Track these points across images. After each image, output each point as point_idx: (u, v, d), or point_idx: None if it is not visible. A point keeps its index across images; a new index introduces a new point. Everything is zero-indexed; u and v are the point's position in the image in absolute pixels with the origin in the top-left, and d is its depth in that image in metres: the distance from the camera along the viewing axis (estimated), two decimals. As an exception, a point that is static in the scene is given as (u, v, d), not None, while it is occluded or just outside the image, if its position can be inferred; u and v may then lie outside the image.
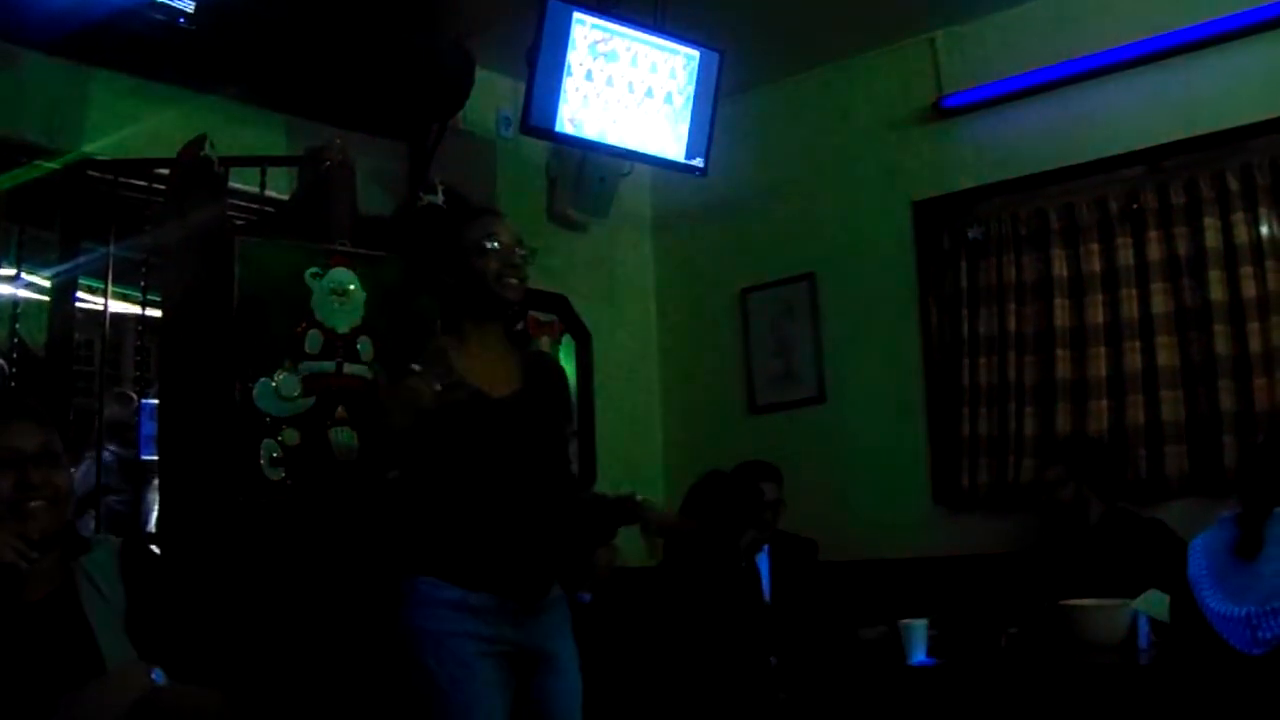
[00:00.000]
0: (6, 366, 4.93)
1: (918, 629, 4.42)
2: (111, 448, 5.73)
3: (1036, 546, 5.10)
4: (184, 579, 3.61)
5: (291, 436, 4.13)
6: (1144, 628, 4.06)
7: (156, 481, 5.02)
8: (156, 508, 5.06)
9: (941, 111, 5.99)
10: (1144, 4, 5.46)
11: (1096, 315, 5.52)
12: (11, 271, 4.95)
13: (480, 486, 3.32)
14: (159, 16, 3.84)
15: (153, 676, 2.84)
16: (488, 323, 3.50)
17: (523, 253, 3.48)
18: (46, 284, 4.92)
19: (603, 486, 6.01)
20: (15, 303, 4.97)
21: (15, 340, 4.88)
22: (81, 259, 4.83)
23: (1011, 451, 5.64)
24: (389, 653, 3.31)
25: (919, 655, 4.39)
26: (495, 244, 3.44)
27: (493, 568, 3.30)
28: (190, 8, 3.85)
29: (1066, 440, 5.37)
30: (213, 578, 3.90)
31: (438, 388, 3.13)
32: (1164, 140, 5.41)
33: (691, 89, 5.40)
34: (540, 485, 3.44)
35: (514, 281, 3.45)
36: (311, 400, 4.16)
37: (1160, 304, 5.37)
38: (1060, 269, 5.63)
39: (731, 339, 6.52)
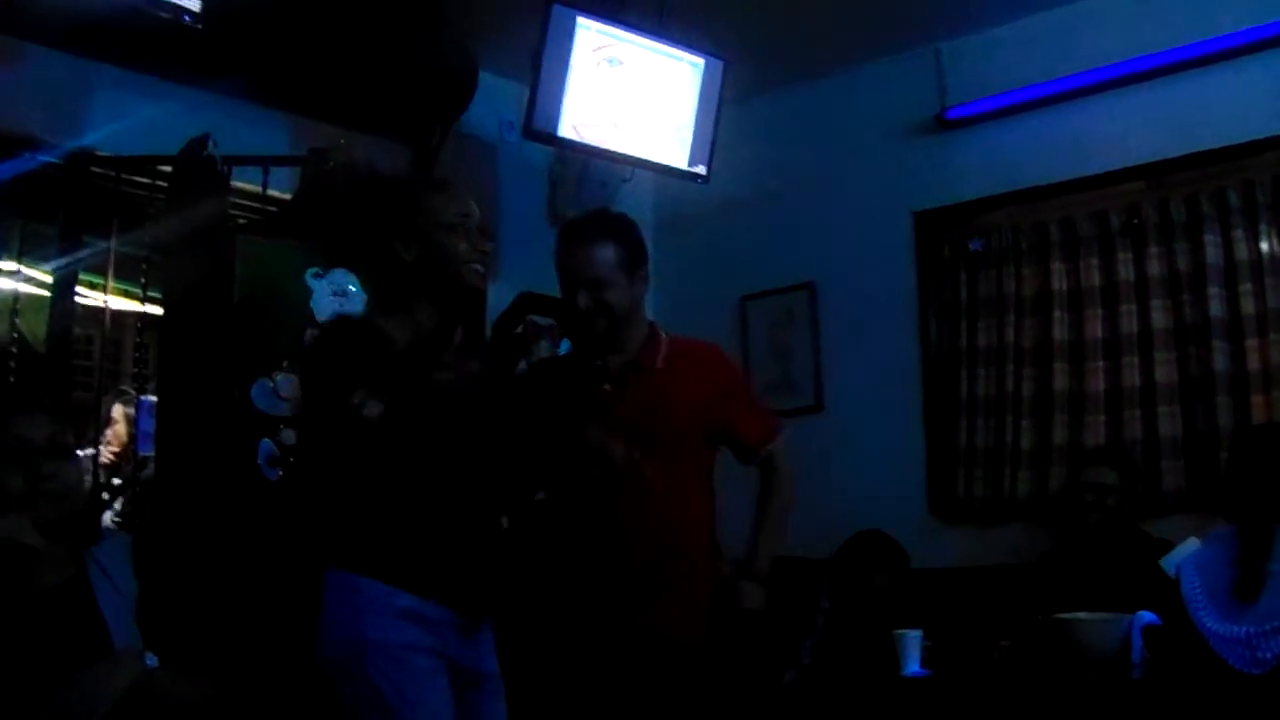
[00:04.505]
0: None
1: (912, 640, 4.42)
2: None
3: (1047, 556, 5.09)
4: (191, 574, 3.65)
5: (289, 436, 4.14)
6: (1138, 641, 4.05)
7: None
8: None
9: (945, 123, 5.99)
10: (1148, 19, 5.46)
11: (1095, 329, 5.52)
12: (12, 265, 4.95)
13: (451, 486, 3.08)
14: (165, 15, 3.83)
15: (146, 662, 2.89)
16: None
17: (490, 244, 3.27)
18: (47, 278, 4.93)
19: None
20: (16, 297, 4.98)
21: (15, 335, 4.88)
22: (82, 254, 4.83)
23: (1008, 463, 5.63)
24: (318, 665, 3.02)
25: (913, 666, 4.39)
26: (469, 225, 3.20)
27: (453, 577, 3.05)
28: (197, 6, 3.85)
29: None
30: (213, 574, 3.91)
31: None
32: (1166, 156, 5.41)
33: (695, 96, 5.41)
34: (498, 488, 3.25)
35: (480, 269, 3.22)
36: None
37: (1159, 319, 5.36)
38: (1060, 282, 5.63)
39: (731, 346, 6.46)
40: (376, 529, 3.05)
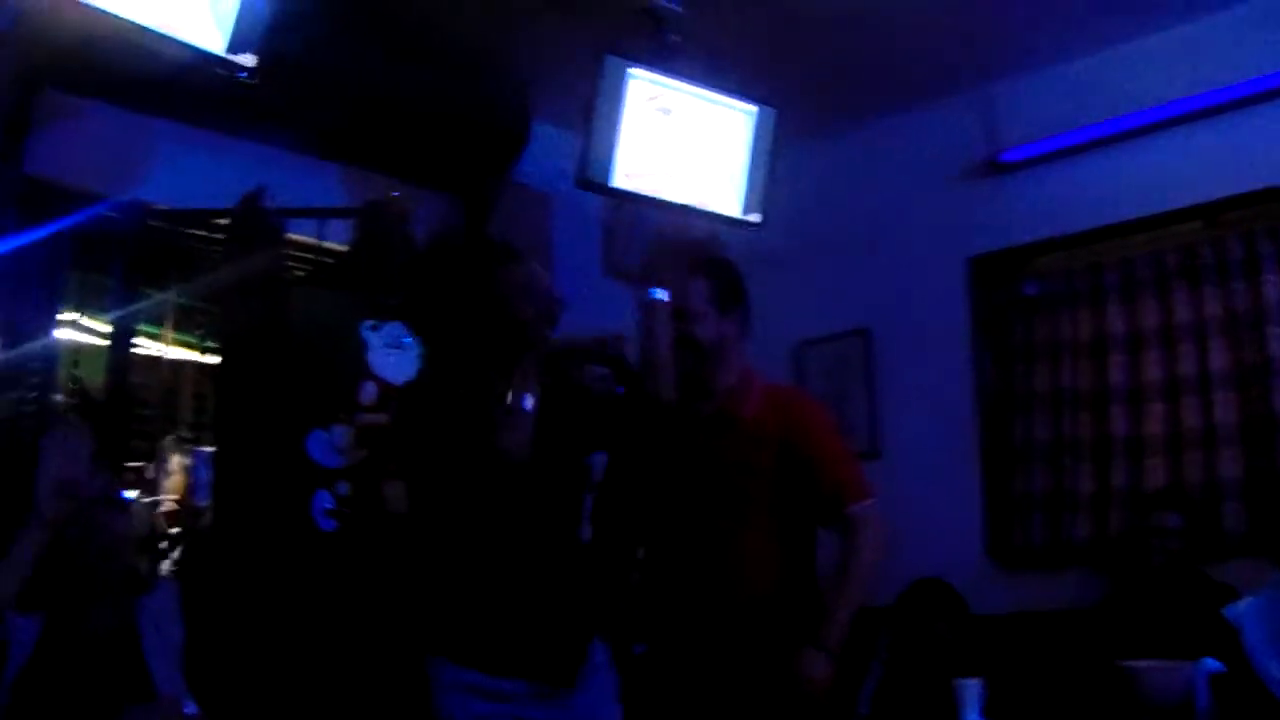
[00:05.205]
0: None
1: (972, 689, 4.38)
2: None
3: (1108, 602, 5.03)
4: (238, 624, 3.65)
5: (344, 488, 4.15)
6: (1202, 690, 4.00)
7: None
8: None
9: (998, 166, 5.97)
10: (1203, 58, 5.42)
11: (1153, 371, 5.46)
12: (72, 316, 5.01)
13: (489, 555, 3.11)
14: (220, 71, 3.87)
15: (184, 709, 2.91)
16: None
17: (557, 307, 3.29)
18: (106, 329, 4.97)
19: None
20: (75, 348, 5.02)
21: (74, 384, 4.93)
22: (140, 305, 4.88)
23: (1066, 508, 5.58)
24: None
25: (973, 716, 4.34)
26: (536, 290, 3.26)
27: (518, 649, 3.06)
28: (252, 63, 3.88)
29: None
30: (262, 624, 3.92)
31: None
32: (1221, 195, 5.36)
33: (748, 144, 5.38)
34: (552, 550, 3.20)
35: (549, 333, 3.26)
36: (364, 453, 4.18)
37: (1218, 360, 5.30)
38: (1116, 324, 5.59)
39: (785, 392, 6.49)
40: (443, 609, 3.12)
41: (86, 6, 3.49)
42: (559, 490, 3.28)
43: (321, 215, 4.75)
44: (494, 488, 3.09)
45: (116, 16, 3.57)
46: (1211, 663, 3.94)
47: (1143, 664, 4.14)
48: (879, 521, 3.66)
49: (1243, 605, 3.86)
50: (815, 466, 3.69)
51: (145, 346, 5.34)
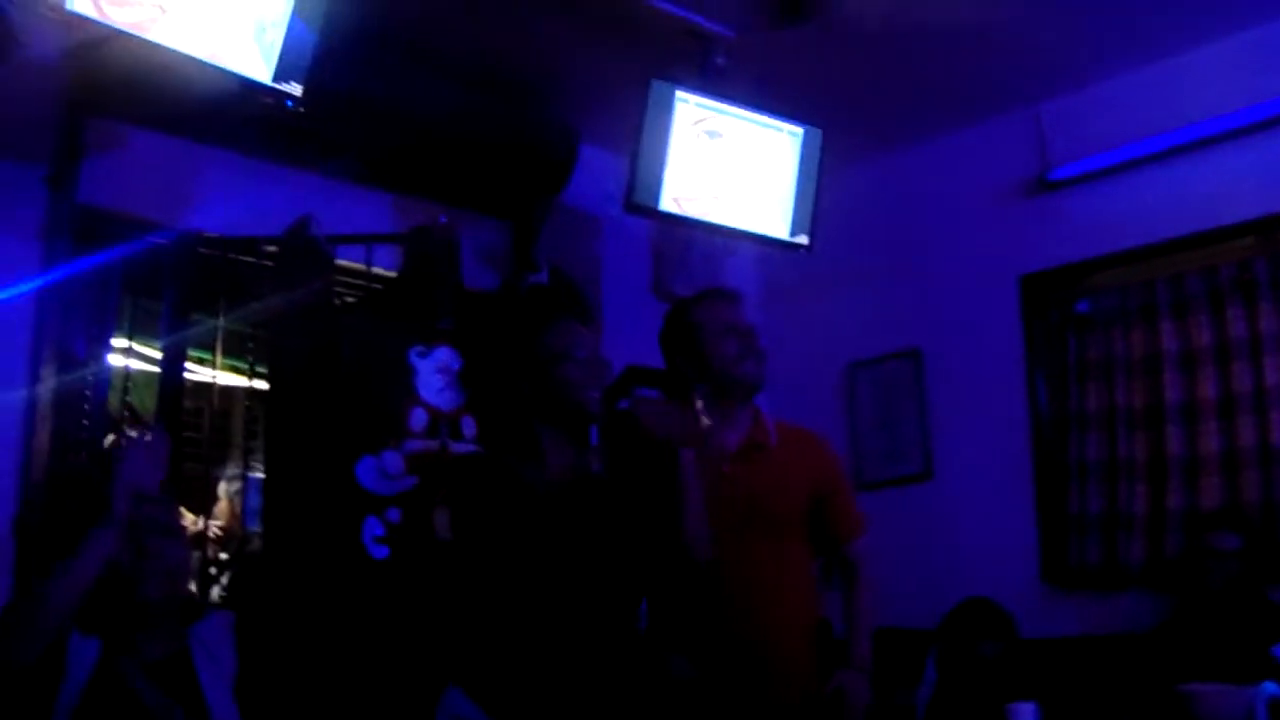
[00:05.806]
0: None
1: (1025, 713, 4.34)
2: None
3: (1166, 625, 4.98)
4: (291, 652, 3.66)
5: (395, 515, 4.15)
6: (1261, 715, 3.95)
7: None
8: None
9: (1048, 184, 5.92)
10: (1253, 70, 5.37)
11: (1208, 389, 5.40)
12: (124, 342, 5.05)
13: (528, 610, 3.06)
14: (268, 100, 3.91)
15: None
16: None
17: (603, 368, 3.29)
18: (157, 354, 5.01)
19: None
20: (127, 373, 5.07)
21: (126, 411, 4.97)
22: (191, 331, 4.91)
23: (1121, 529, 5.52)
24: None
25: (1028, 740, 4.30)
26: (576, 354, 3.23)
27: (524, 704, 2.99)
28: (298, 91, 3.91)
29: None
30: (314, 652, 3.93)
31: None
32: (1275, 211, 5.30)
33: (795, 166, 5.38)
34: (590, 617, 3.13)
35: (598, 396, 3.23)
36: (415, 479, 4.18)
37: (1273, 377, 5.23)
38: (1170, 342, 5.53)
39: (837, 414, 6.47)
40: (475, 651, 3.11)
41: (135, 38, 3.53)
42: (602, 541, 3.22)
43: (369, 241, 4.77)
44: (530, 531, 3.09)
45: (165, 48, 3.61)
46: (1271, 687, 3.89)
47: (1200, 688, 4.09)
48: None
49: None
50: (838, 504, 3.90)
51: (196, 372, 5.37)
